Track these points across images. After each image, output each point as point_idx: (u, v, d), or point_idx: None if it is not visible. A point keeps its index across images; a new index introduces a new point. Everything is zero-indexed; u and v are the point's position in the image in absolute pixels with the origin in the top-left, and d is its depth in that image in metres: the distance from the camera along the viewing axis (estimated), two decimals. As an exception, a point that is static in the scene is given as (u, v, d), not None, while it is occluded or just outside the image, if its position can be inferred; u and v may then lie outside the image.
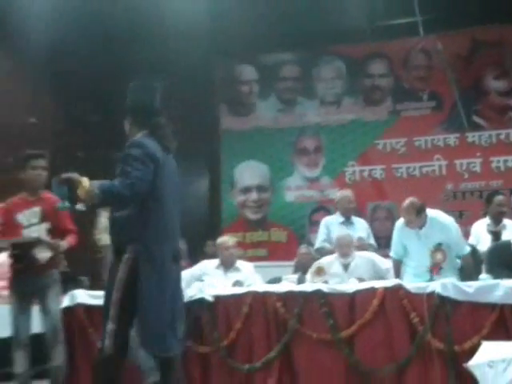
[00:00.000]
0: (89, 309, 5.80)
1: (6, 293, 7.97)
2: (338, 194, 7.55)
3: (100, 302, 5.72)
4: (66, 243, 5.31)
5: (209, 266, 6.50)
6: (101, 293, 5.93)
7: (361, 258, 6.26)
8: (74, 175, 3.94)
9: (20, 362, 5.15)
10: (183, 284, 6.02)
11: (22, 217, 5.28)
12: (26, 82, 8.80)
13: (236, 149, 9.99)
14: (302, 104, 9.82)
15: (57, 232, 5.31)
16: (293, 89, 9.88)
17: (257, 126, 9.91)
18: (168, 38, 8.90)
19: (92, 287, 6.26)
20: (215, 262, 6.53)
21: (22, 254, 5.18)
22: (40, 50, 8.68)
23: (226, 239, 6.67)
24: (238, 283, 6.18)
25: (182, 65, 9.14)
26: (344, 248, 6.25)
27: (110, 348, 3.98)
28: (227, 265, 6.46)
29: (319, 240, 7.13)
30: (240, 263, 6.56)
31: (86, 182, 3.91)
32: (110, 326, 4.00)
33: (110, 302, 4.03)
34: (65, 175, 3.96)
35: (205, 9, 8.87)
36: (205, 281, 6.29)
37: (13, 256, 5.23)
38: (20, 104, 8.45)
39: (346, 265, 6.20)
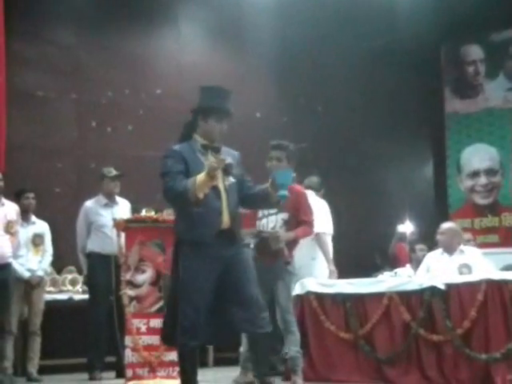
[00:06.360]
0: (319, 296, 5.89)
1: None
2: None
3: (329, 290, 5.88)
4: (290, 234, 5.19)
5: (433, 256, 6.36)
6: (330, 281, 6.06)
7: None
8: None
9: None
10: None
11: None
12: (254, 80, 9.15)
13: (462, 132, 9.71)
14: (534, 81, 9.33)
15: (293, 223, 5.23)
16: (524, 66, 9.40)
17: (484, 107, 9.55)
18: (394, 21, 8.80)
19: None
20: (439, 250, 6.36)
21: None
22: (268, 50, 9.02)
23: (447, 225, 6.43)
24: (464, 266, 5.98)
25: (409, 49, 9.05)
26: None
27: None
28: (448, 250, 6.22)
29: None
30: (464, 247, 6.34)
31: None
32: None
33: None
34: None
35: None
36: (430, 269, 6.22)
37: None
38: (248, 101, 8.80)
39: None
